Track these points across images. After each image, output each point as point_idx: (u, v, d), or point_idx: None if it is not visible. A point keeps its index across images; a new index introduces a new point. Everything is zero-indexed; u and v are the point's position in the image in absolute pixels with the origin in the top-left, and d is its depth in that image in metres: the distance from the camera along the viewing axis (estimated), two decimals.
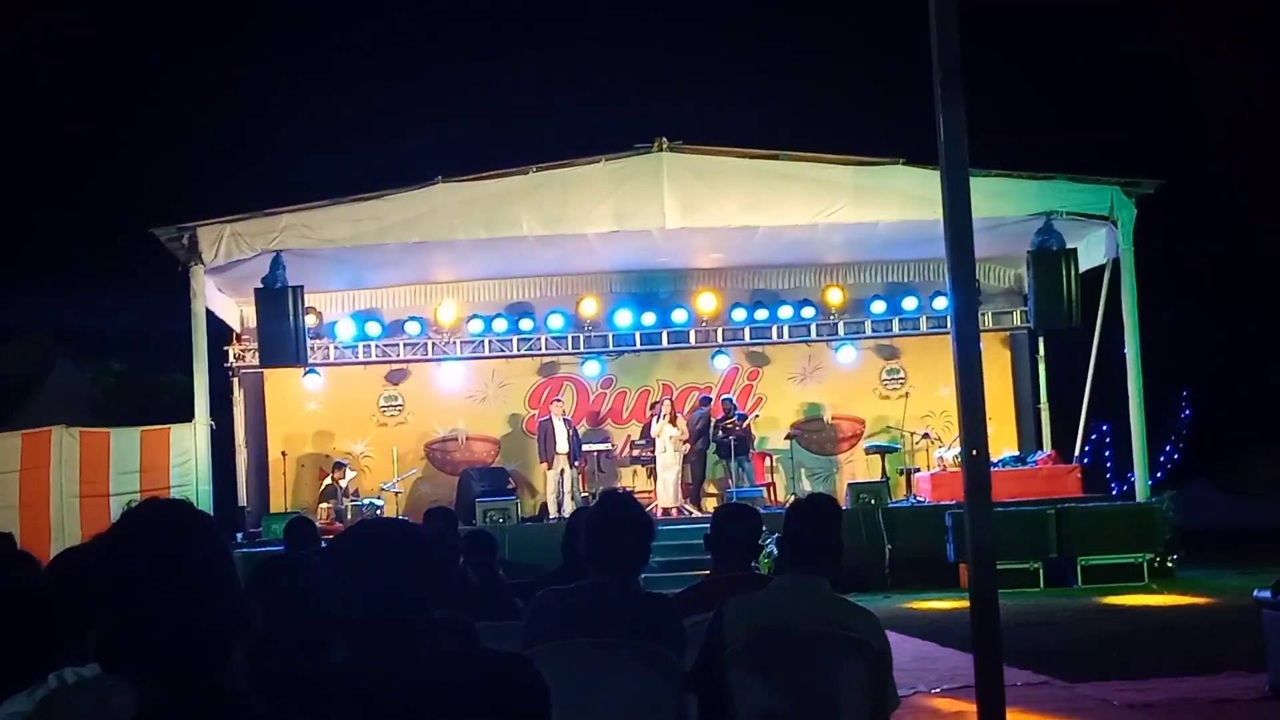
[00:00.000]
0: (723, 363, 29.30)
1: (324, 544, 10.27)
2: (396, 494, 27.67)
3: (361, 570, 3.88)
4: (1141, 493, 24.86)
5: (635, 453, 28.96)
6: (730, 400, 28.69)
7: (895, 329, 28.80)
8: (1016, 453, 28.00)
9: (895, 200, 24.44)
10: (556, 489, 27.18)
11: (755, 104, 39.24)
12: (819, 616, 6.16)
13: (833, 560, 6.36)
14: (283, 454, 28.74)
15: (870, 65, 37.58)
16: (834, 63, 39.75)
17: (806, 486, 28.61)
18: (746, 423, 28.14)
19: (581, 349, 28.79)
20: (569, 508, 25.44)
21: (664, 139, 24.77)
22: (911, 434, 28.41)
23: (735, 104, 39.36)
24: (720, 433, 27.94)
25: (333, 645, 4.29)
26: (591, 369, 29.32)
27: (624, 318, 28.37)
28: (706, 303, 28.24)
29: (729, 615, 6.12)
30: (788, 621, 6.08)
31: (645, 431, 28.31)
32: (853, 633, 6.14)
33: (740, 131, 28.05)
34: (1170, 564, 24.07)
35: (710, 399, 28.81)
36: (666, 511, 26.34)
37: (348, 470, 27.59)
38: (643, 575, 6.53)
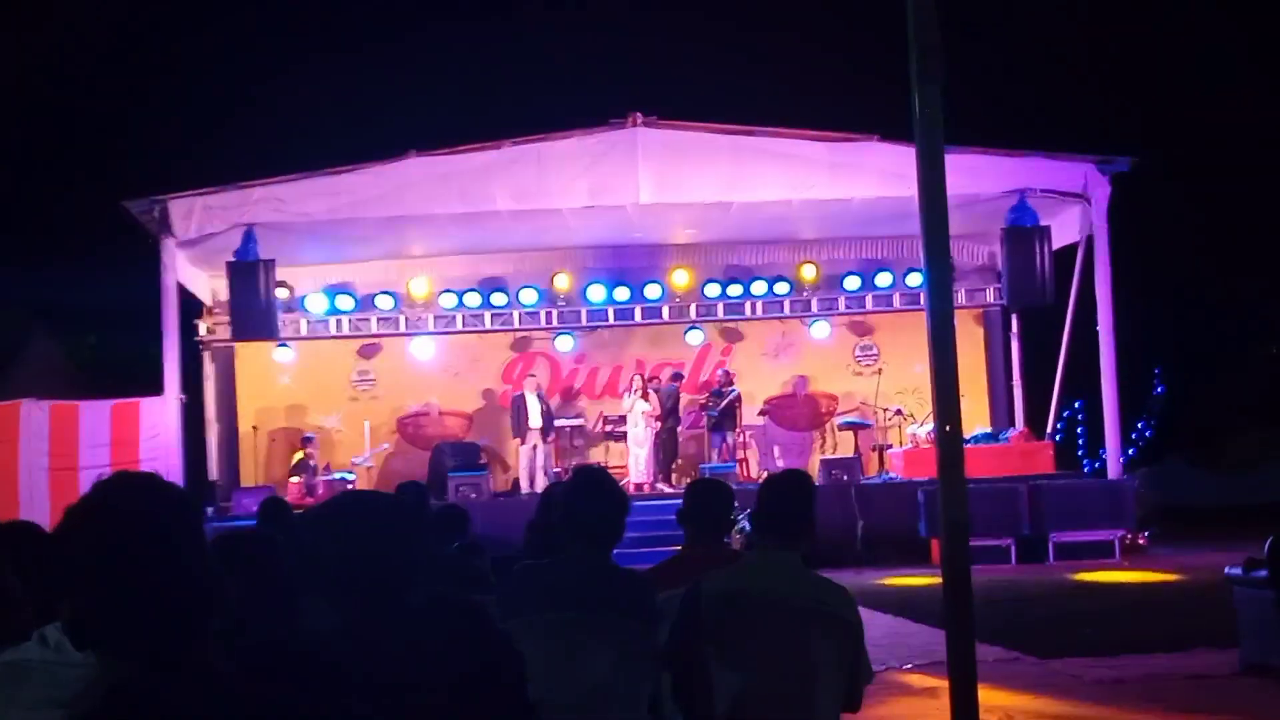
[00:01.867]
0: (696, 338, 29.29)
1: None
2: (369, 468, 27.67)
3: (349, 536, 3.88)
4: (1114, 470, 24.95)
5: (608, 428, 28.99)
6: (726, 372, 28.70)
7: (869, 305, 28.86)
8: (989, 429, 28.06)
9: (870, 176, 24.44)
10: (529, 464, 27.20)
11: (730, 79, 39.18)
12: (794, 592, 6.15)
13: (807, 536, 6.38)
14: (254, 428, 28.74)
15: (846, 41, 37.55)
16: (809, 38, 39.74)
17: (779, 463, 28.71)
18: (736, 393, 28.08)
19: (555, 324, 28.79)
20: (541, 483, 25.47)
21: (638, 114, 24.73)
22: (885, 410, 28.44)
23: (710, 79, 39.29)
24: (710, 401, 27.96)
25: (312, 613, 4.27)
26: (565, 344, 29.32)
27: (597, 293, 28.36)
28: (680, 278, 28.23)
29: (704, 591, 6.11)
30: (762, 597, 6.07)
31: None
32: (827, 607, 6.14)
33: (715, 107, 27.99)
34: (1142, 541, 24.18)
35: (682, 375, 28.86)
36: (639, 487, 26.38)
37: (316, 444, 27.58)
38: (615, 551, 6.52)
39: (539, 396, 27.66)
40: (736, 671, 5.95)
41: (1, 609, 4.36)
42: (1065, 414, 28.76)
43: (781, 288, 28.48)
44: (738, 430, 28.16)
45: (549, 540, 8.19)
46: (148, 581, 2.77)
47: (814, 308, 28.71)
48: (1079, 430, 29.14)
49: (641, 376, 28.14)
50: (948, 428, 6.90)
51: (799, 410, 30.09)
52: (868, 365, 29.94)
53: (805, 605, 6.10)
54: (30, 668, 3.74)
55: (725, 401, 27.73)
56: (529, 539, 9.24)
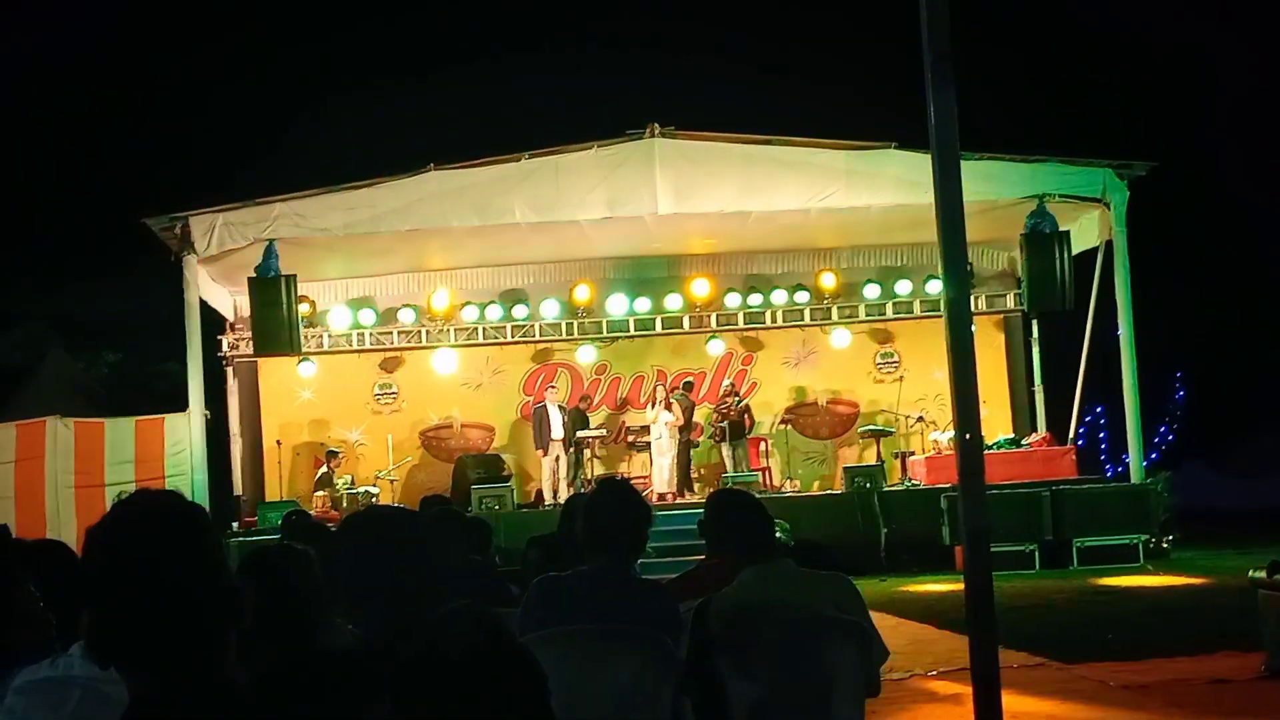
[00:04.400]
0: (717, 348, 29.28)
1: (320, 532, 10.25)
2: (392, 482, 27.69)
3: (369, 550, 3.91)
4: (1136, 474, 24.89)
5: (630, 438, 29.01)
6: (730, 385, 28.72)
7: (889, 313, 28.83)
8: (1011, 435, 27.99)
9: (888, 184, 24.41)
10: (551, 475, 27.21)
11: (746, 89, 39.23)
12: (802, 599, 6.18)
13: (773, 544, 6.52)
14: (277, 443, 28.75)
15: (862, 49, 37.57)
16: (826, 47, 39.76)
17: (800, 472, 28.75)
18: (743, 404, 28.13)
19: (576, 335, 28.80)
20: (564, 494, 25.45)
21: (656, 125, 24.72)
22: (906, 417, 28.43)
23: (726, 89, 39.34)
24: (716, 417, 28.03)
25: (331, 630, 4.30)
26: (586, 355, 29.32)
27: (618, 304, 28.38)
28: (700, 288, 28.27)
29: (712, 607, 6.13)
30: (771, 607, 6.09)
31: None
32: (838, 612, 6.16)
33: (732, 117, 28.03)
34: (1165, 545, 24.10)
35: (691, 384, 28.89)
36: (662, 497, 26.38)
37: (340, 458, 27.65)
38: (639, 561, 6.54)
39: (561, 407, 27.68)
40: (751, 682, 5.98)
41: (26, 627, 4.40)
42: (1087, 419, 28.71)
43: (801, 296, 28.49)
44: (749, 440, 28.16)
45: (554, 554, 8.23)
46: (166, 597, 2.80)
47: (834, 315, 28.70)
48: (1101, 435, 29.12)
49: (664, 387, 28.14)
50: (968, 436, 6.91)
51: (820, 418, 30.08)
52: (888, 372, 29.93)
53: (816, 612, 6.13)
54: (73, 684, 3.79)
55: (730, 414, 27.70)
56: (530, 558, 9.27)
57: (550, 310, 28.42)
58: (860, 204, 25.13)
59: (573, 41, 42.06)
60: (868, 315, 28.92)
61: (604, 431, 28.99)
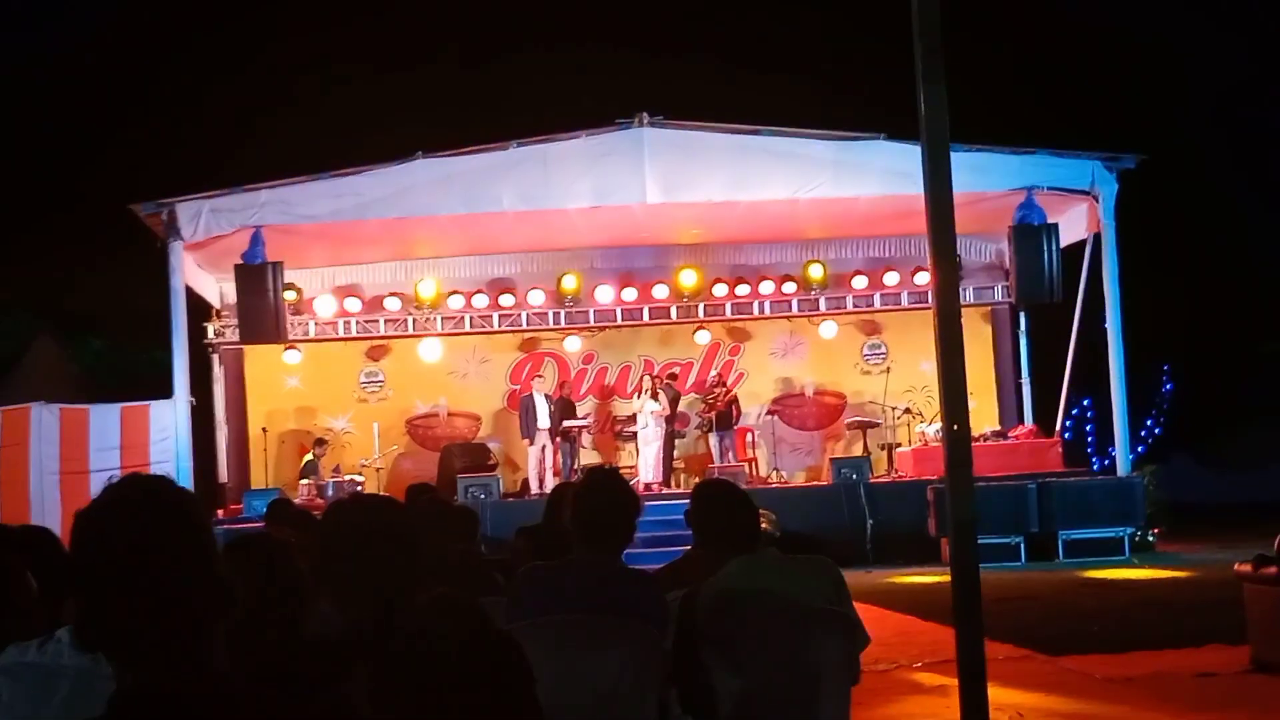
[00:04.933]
0: (704, 338, 29.28)
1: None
2: (378, 470, 27.65)
3: (354, 539, 3.89)
4: (1123, 467, 24.93)
5: (617, 428, 29.01)
6: (716, 375, 28.74)
7: (876, 304, 28.81)
8: (998, 427, 28.02)
9: (876, 175, 24.42)
10: (538, 465, 27.19)
11: (736, 79, 39.16)
12: (788, 590, 6.16)
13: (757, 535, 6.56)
14: (263, 430, 28.73)
15: (851, 40, 37.52)
16: (815, 37, 39.71)
17: (787, 463, 28.75)
18: (730, 395, 28.14)
19: (563, 325, 28.76)
20: (550, 484, 25.44)
21: (644, 114, 24.71)
22: (893, 409, 28.42)
23: (716, 78, 39.27)
24: (703, 407, 28.04)
25: (319, 619, 4.28)
26: (572, 345, 29.29)
27: (605, 293, 28.33)
28: (687, 278, 28.21)
29: (699, 596, 6.12)
30: (757, 598, 6.08)
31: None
32: (827, 603, 6.15)
33: (721, 107, 27.98)
34: (1151, 538, 24.15)
35: (675, 374, 28.92)
36: (648, 487, 26.35)
37: (326, 446, 27.66)
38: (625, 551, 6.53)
39: (547, 397, 27.66)
40: (737, 673, 5.96)
41: (23, 619, 4.38)
42: (1074, 411, 28.72)
43: (789, 287, 28.47)
44: (735, 431, 28.16)
45: (541, 545, 8.21)
46: (156, 584, 2.77)
47: (822, 307, 28.68)
48: (1088, 428, 29.10)
49: (651, 376, 28.14)
50: (955, 426, 6.90)
51: (807, 409, 30.08)
52: (876, 364, 29.96)
53: (802, 603, 6.12)
54: (62, 675, 3.76)
55: (718, 404, 27.73)
56: (517, 547, 9.24)
57: (537, 299, 28.38)
58: (848, 195, 25.15)
59: (562, 31, 41.95)
60: (855, 306, 28.91)
61: (589, 421, 28.98)
